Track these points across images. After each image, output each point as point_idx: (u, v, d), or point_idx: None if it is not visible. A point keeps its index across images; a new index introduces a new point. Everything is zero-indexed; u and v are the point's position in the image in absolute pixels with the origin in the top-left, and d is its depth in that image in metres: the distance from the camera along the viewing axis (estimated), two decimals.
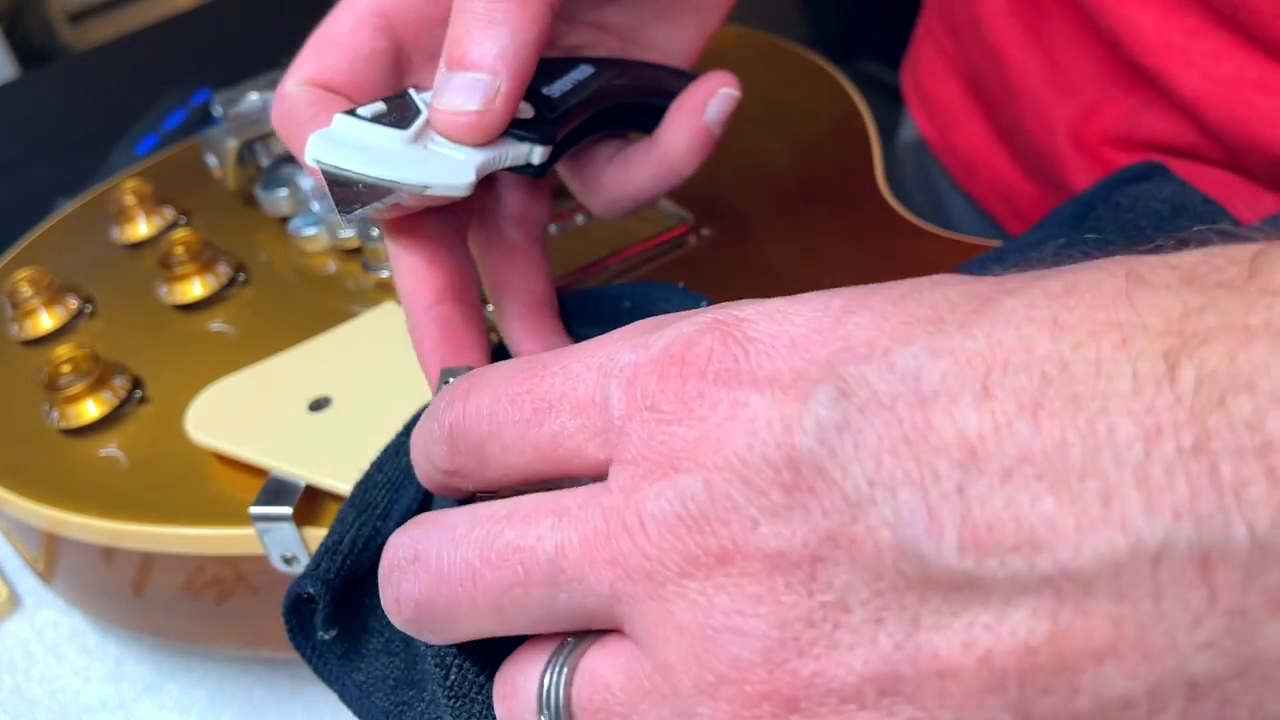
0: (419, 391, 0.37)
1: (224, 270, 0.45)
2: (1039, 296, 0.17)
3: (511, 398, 0.22)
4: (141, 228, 0.49)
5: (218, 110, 0.50)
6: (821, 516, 0.17)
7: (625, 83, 0.33)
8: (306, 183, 0.46)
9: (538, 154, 0.30)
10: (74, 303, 0.46)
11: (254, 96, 0.48)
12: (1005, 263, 0.35)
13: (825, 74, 0.52)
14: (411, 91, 0.29)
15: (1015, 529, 0.16)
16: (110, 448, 0.39)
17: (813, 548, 0.17)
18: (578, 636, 0.21)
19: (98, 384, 0.40)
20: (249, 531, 0.35)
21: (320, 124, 0.29)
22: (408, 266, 0.31)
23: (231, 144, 0.48)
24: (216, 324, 0.44)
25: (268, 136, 0.48)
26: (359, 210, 0.28)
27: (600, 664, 0.20)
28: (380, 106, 0.29)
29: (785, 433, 0.18)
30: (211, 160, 0.49)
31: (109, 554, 0.38)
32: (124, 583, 0.39)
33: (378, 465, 0.32)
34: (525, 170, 0.30)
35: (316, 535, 0.35)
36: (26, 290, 0.45)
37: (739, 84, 0.34)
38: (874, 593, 0.17)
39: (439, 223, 0.32)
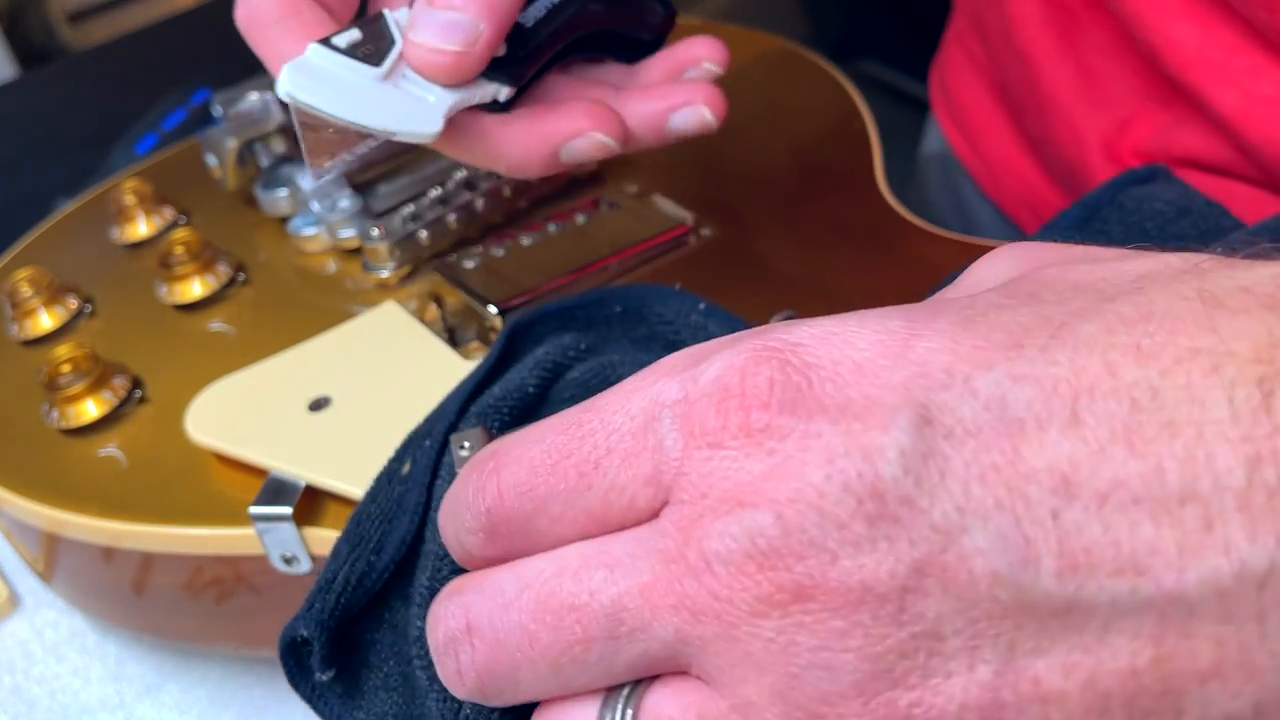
0: (419, 391, 0.37)
1: (224, 270, 0.45)
2: (1115, 322, 0.17)
3: (551, 468, 0.20)
4: (141, 227, 0.49)
5: (217, 110, 0.50)
6: (909, 546, 0.17)
7: (599, 8, 0.32)
8: (307, 183, 0.46)
9: (504, 93, 0.29)
10: (74, 302, 0.46)
11: (254, 96, 0.48)
12: None
13: (825, 74, 0.52)
14: (387, 14, 0.28)
15: (1115, 554, 0.16)
16: (110, 448, 0.39)
17: (901, 579, 0.17)
18: (631, 686, 0.20)
19: (97, 384, 0.40)
20: (249, 531, 0.35)
21: (288, 34, 0.28)
22: None
23: (231, 144, 0.48)
24: (216, 324, 0.44)
25: (268, 136, 0.48)
26: (329, 164, 0.27)
27: (667, 705, 0.19)
28: (355, 34, 0.28)
29: (866, 462, 0.17)
30: (211, 160, 0.49)
31: (109, 554, 0.38)
32: (124, 583, 0.39)
33: (370, 496, 0.31)
34: (491, 107, 0.30)
35: (316, 535, 0.35)
36: (26, 290, 0.45)
37: (723, 56, 0.33)
38: (968, 621, 0.17)
39: None
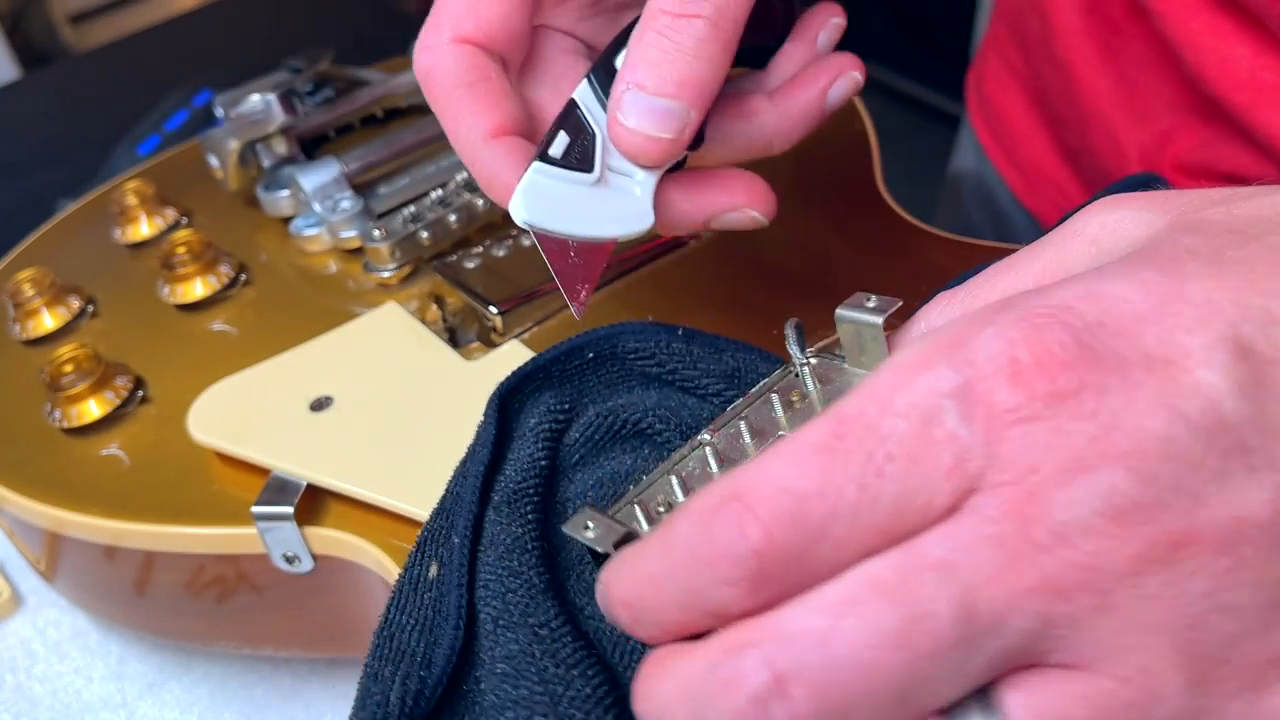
0: (421, 391, 0.37)
1: (226, 271, 0.45)
2: None
3: (822, 489, 0.18)
4: (143, 228, 0.49)
5: (219, 111, 0.50)
6: (1272, 471, 0.17)
7: (749, 35, 0.31)
8: (308, 184, 0.46)
9: (686, 159, 0.30)
10: (76, 303, 0.46)
11: (255, 98, 0.48)
12: None
13: None
14: (577, 100, 0.29)
15: None
16: (112, 447, 0.39)
17: (1275, 503, 0.17)
18: (974, 699, 0.18)
19: (99, 384, 0.40)
20: (250, 531, 0.35)
21: (475, 103, 0.29)
22: (466, 106, 0.29)
23: (233, 145, 0.48)
24: (218, 324, 0.44)
25: (269, 138, 0.49)
26: (585, 291, 0.29)
27: (1045, 702, 0.18)
28: (564, 139, 0.29)
29: (1204, 399, 0.17)
30: (213, 161, 0.49)
31: (111, 553, 0.38)
32: (126, 582, 0.39)
33: (398, 607, 0.29)
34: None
35: (318, 534, 0.35)
36: (29, 290, 0.45)
37: (838, 9, 0.33)
38: None
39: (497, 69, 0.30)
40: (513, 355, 0.38)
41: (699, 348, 0.32)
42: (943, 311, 0.27)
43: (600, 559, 0.24)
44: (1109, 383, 0.18)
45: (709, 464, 0.27)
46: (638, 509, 0.26)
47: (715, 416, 0.31)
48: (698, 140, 0.29)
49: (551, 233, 0.28)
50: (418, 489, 0.34)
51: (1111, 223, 0.23)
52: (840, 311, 0.28)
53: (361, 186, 0.47)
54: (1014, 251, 0.34)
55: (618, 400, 0.32)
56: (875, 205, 0.43)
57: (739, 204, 0.30)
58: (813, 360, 0.29)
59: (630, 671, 0.25)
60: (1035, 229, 0.54)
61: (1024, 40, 0.52)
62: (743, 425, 0.27)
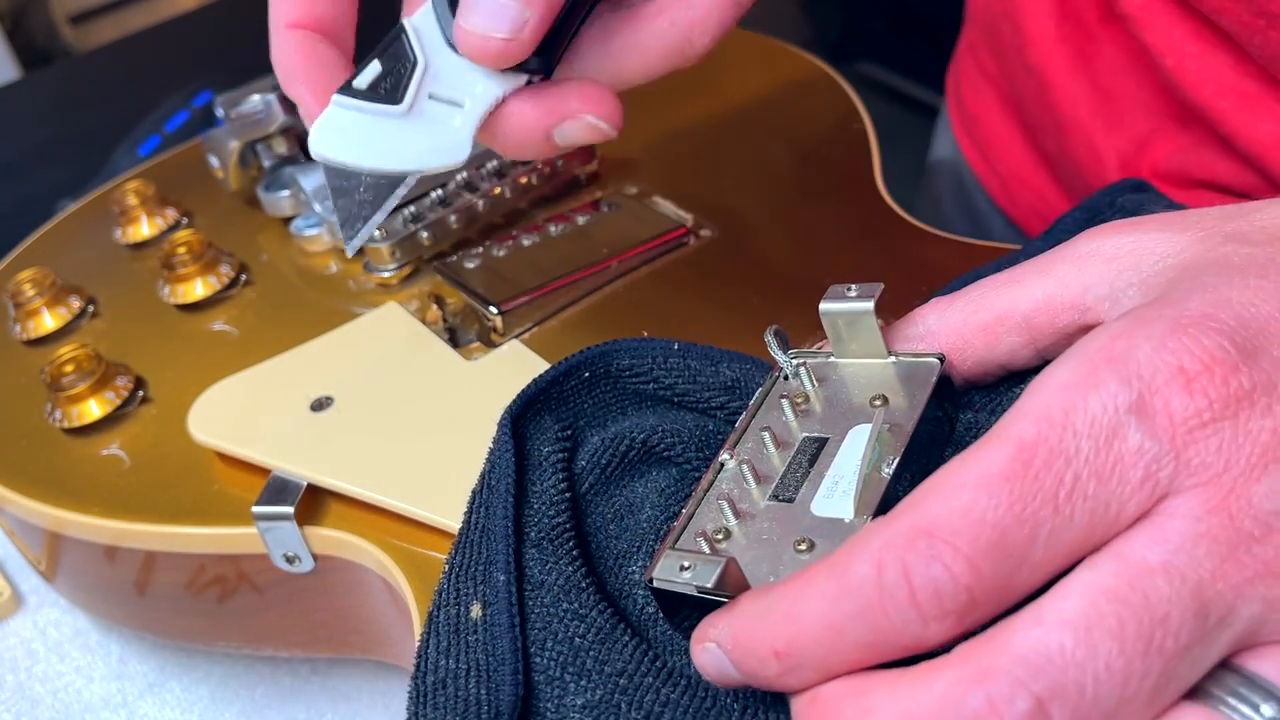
0: (421, 391, 0.37)
1: (226, 271, 0.45)
2: None
3: (1020, 518, 0.19)
4: (144, 228, 0.49)
5: (220, 111, 0.50)
6: None
7: None
8: (308, 184, 0.46)
9: (536, 81, 0.29)
10: (77, 303, 0.46)
11: (256, 98, 0.48)
12: None
13: (825, 76, 0.52)
14: (406, 25, 0.28)
15: None
16: (113, 447, 0.39)
17: None
18: (1228, 691, 0.19)
19: (100, 384, 0.40)
20: (251, 531, 0.35)
21: (315, 86, 0.29)
22: None
23: (234, 145, 0.48)
24: (219, 324, 0.44)
25: (270, 138, 0.49)
26: (362, 229, 0.28)
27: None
28: (375, 68, 0.28)
29: None
30: (214, 161, 0.49)
31: (111, 553, 0.38)
32: (126, 582, 0.39)
33: (441, 650, 0.28)
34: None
35: (318, 534, 0.35)
36: (29, 290, 0.45)
37: None
38: None
39: None
40: (513, 355, 0.38)
41: (695, 361, 0.31)
42: (941, 316, 0.28)
43: (675, 606, 0.24)
44: (1275, 378, 0.19)
45: (746, 481, 0.27)
46: (702, 541, 0.25)
47: (720, 430, 0.31)
48: (549, 61, 0.28)
49: (342, 164, 0.28)
50: (418, 489, 0.34)
51: (1129, 244, 0.25)
52: (824, 306, 0.28)
53: None
54: (1010, 252, 0.35)
55: (619, 424, 0.32)
56: (875, 204, 0.43)
57: (579, 110, 0.29)
58: (809, 361, 0.29)
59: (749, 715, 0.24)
60: (1012, 231, 0.53)
61: (998, 47, 0.52)
62: (766, 436, 0.27)
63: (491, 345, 0.39)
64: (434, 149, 0.28)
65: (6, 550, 0.47)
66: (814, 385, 0.29)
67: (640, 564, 0.29)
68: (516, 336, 0.39)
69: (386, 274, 0.44)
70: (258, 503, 0.35)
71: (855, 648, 0.20)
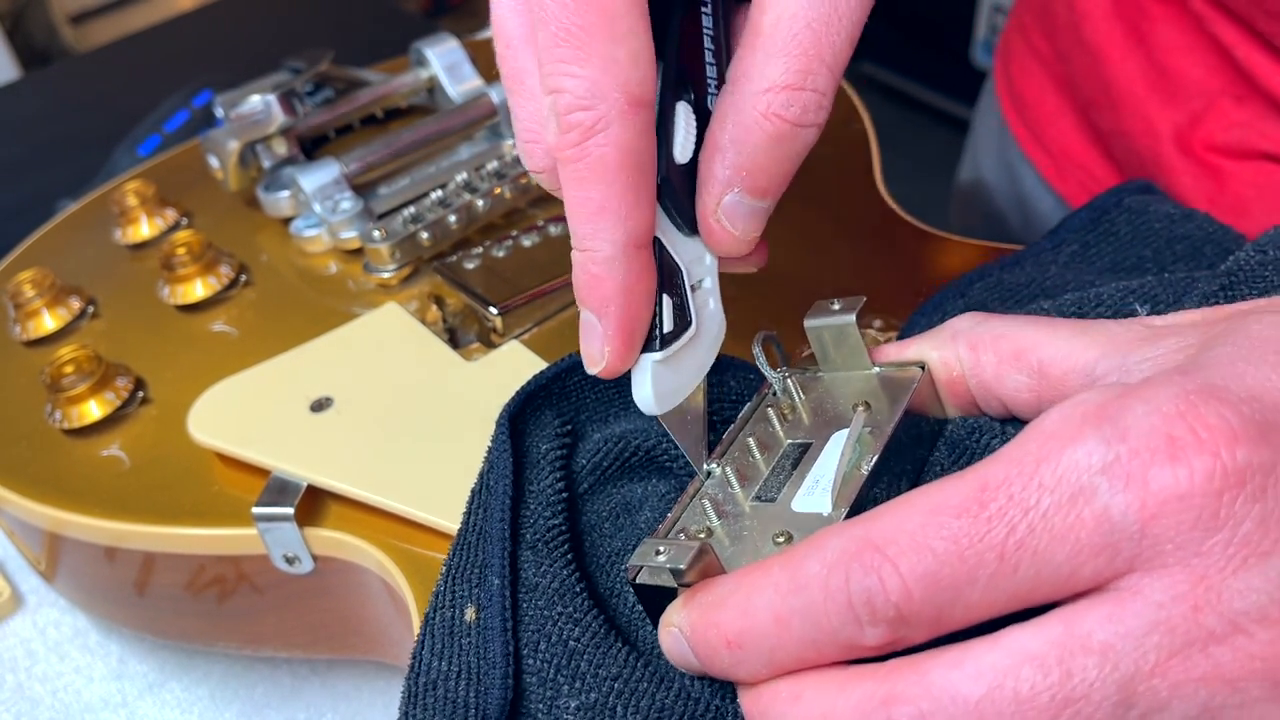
0: (421, 392, 0.37)
1: (226, 271, 0.45)
2: None
3: (961, 554, 0.19)
4: (144, 229, 0.49)
5: (219, 112, 0.50)
6: None
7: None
8: (308, 184, 0.46)
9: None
10: (76, 304, 0.46)
11: (255, 99, 0.48)
12: (1024, 268, 0.36)
13: None
14: (659, 239, 0.26)
15: None
16: (113, 448, 0.39)
17: None
18: None
19: (100, 384, 0.40)
20: (251, 531, 0.35)
21: (641, 176, 0.24)
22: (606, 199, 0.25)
23: (233, 145, 0.48)
24: (219, 325, 0.44)
25: (270, 138, 0.49)
26: (702, 443, 0.28)
27: None
28: (669, 303, 0.27)
29: None
30: (213, 162, 0.49)
31: (111, 554, 0.38)
32: (126, 582, 0.39)
33: (434, 652, 0.28)
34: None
35: (318, 535, 0.35)
36: (29, 291, 0.45)
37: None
38: None
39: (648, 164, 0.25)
40: (512, 356, 0.38)
41: None
42: (973, 325, 0.27)
43: (655, 603, 0.24)
44: (1277, 459, 0.18)
45: (731, 484, 0.27)
46: (683, 537, 0.26)
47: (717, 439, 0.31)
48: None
49: (677, 406, 0.27)
50: (418, 490, 0.34)
51: (1166, 323, 0.24)
52: (809, 322, 0.29)
53: (361, 187, 0.47)
54: (1014, 253, 0.35)
55: (623, 425, 0.32)
56: (875, 205, 0.43)
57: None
58: (797, 373, 0.30)
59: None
60: (1061, 210, 0.54)
61: (1051, 26, 0.53)
62: (752, 442, 0.28)
63: (491, 345, 0.39)
64: (715, 338, 0.28)
65: (6, 550, 0.47)
66: (800, 396, 0.29)
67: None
68: (516, 337, 0.39)
69: (386, 274, 0.44)
70: (258, 504, 0.35)
71: (800, 643, 0.21)
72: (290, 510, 0.34)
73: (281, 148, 0.49)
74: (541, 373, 0.32)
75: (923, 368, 0.28)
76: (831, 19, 0.24)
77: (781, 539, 0.25)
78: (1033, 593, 0.19)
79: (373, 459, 0.35)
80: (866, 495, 0.25)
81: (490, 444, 0.31)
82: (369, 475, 0.35)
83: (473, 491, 0.31)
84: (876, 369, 0.29)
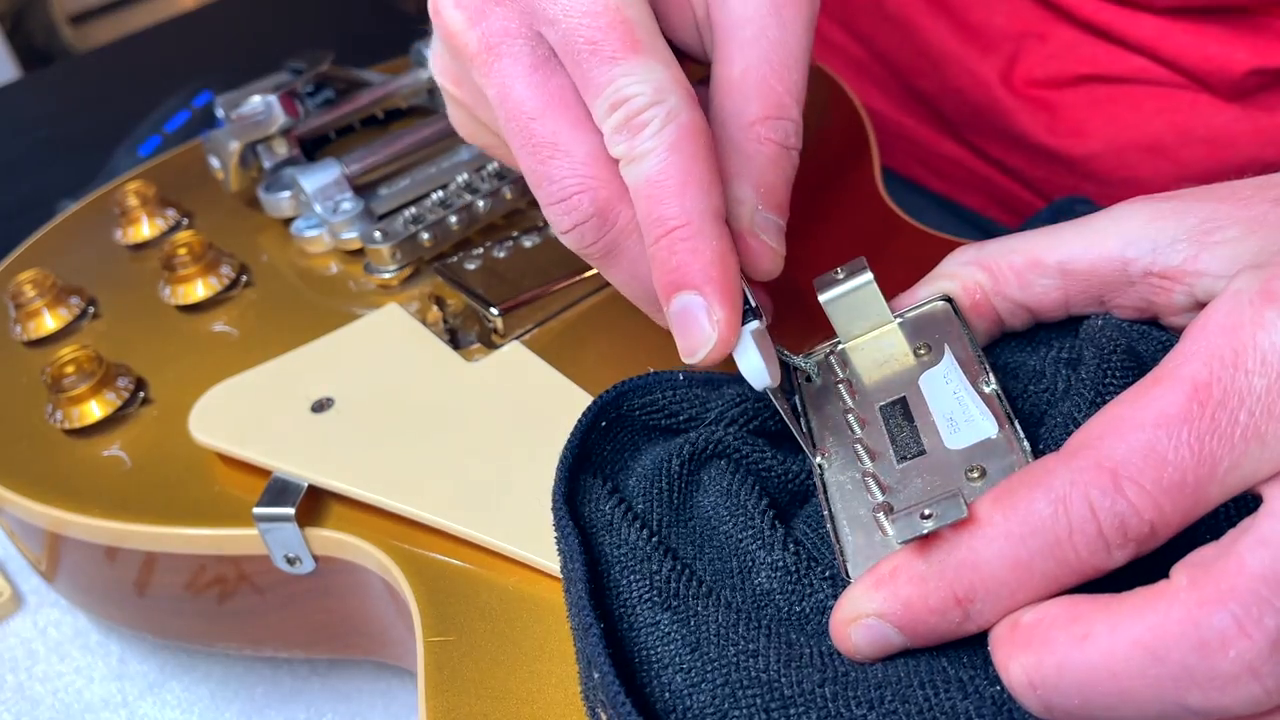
0: (421, 393, 0.37)
1: (227, 272, 0.45)
2: None
3: (1199, 457, 0.20)
4: (144, 229, 0.49)
5: (220, 112, 0.50)
6: None
7: None
8: (309, 185, 0.46)
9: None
10: (77, 304, 0.46)
11: (256, 99, 0.48)
12: None
13: (825, 76, 0.52)
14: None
15: None
16: (113, 448, 0.39)
17: None
18: None
19: (101, 385, 0.40)
20: (252, 532, 0.35)
21: (710, 157, 0.28)
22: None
23: (234, 146, 0.48)
24: (219, 325, 0.44)
25: (270, 139, 0.49)
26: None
27: None
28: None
29: None
30: (214, 162, 0.49)
31: (112, 554, 0.38)
32: (126, 582, 0.39)
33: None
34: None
35: (319, 535, 0.35)
36: (30, 291, 0.45)
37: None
38: None
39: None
40: (514, 356, 0.38)
41: (700, 389, 0.31)
42: (979, 253, 0.30)
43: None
44: None
45: (862, 459, 0.28)
46: (881, 516, 0.26)
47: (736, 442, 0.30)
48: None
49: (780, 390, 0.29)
50: (419, 490, 0.34)
51: (1168, 208, 0.27)
52: (826, 296, 0.31)
53: (362, 188, 0.47)
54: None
55: (646, 459, 0.31)
56: (874, 205, 0.43)
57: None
58: (827, 354, 0.31)
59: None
60: (892, 180, 0.57)
61: (854, 19, 0.56)
62: (850, 420, 0.29)
63: (492, 346, 0.39)
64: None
65: (7, 550, 0.47)
66: (844, 370, 0.30)
67: (762, 573, 0.27)
68: (517, 337, 0.39)
69: (387, 275, 0.44)
70: (259, 504, 0.35)
71: (1041, 581, 0.21)
72: (291, 511, 0.34)
73: (282, 148, 0.49)
74: (569, 443, 0.30)
75: (948, 300, 0.30)
76: (789, 62, 0.29)
77: (975, 474, 0.26)
78: (1258, 473, 0.20)
79: (374, 459, 0.35)
80: (1014, 406, 0.27)
81: (556, 536, 0.29)
82: (370, 475, 0.35)
83: (564, 586, 0.29)
84: (899, 318, 0.30)
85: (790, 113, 0.30)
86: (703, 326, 0.27)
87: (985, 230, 0.55)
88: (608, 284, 0.39)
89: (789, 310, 0.34)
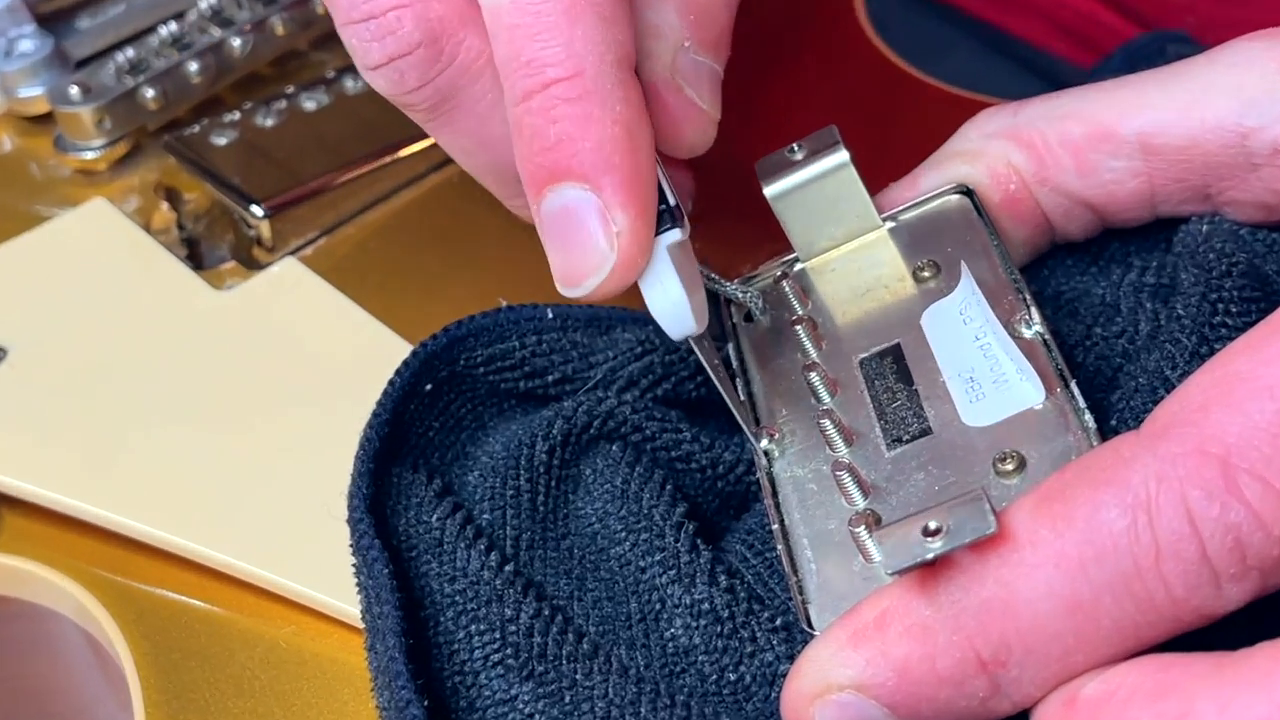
0: (144, 340, 0.36)
1: None
2: None
3: None
4: None
5: None
6: None
7: None
8: None
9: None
10: None
11: None
12: None
13: None
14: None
15: None
16: None
17: None
18: None
19: None
20: None
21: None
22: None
23: None
24: None
25: None
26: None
27: None
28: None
29: None
30: None
31: None
32: None
33: None
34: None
35: None
36: None
37: None
38: None
39: None
40: (286, 280, 0.37)
41: (579, 334, 0.31)
42: (1013, 119, 0.29)
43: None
44: None
45: (834, 445, 0.27)
46: (862, 532, 0.25)
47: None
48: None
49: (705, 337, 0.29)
50: (137, 490, 0.33)
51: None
52: (772, 189, 0.30)
53: (50, 17, 0.44)
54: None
55: (494, 443, 0.31)
56: (855, 44, 0.43)
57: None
58: (772, 274, 0.30)
59: None
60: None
61: None
62: (815, 379, 0.28)
63: (255, 266, 0.38)
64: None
65: None
66: (805, 304, 0.29)
67: (678, 620, 0.27)
68: (293, 253, 0.39)
69: (90, 154, 0.42)
70: None
71: (1111, 632, 0.20)
72: None
73: None
74: (373, 419, 0.30)
75: (967, 192, 0.29)
76: None
77: (1010, 466, 0.25)
78: None
79: (65, 442, 0.34)
80: (1070, 359, 0.26)
81: (356, 562, 0.29)
82: (58, 467, 0.33)
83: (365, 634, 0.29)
84: (889, 222, 0.30)
85: None
86: (594, 238, 0.26)
87: (1044, 75, 0.55)
88: (432, 170, 0.40)
89: (726, 213, 0.33)
